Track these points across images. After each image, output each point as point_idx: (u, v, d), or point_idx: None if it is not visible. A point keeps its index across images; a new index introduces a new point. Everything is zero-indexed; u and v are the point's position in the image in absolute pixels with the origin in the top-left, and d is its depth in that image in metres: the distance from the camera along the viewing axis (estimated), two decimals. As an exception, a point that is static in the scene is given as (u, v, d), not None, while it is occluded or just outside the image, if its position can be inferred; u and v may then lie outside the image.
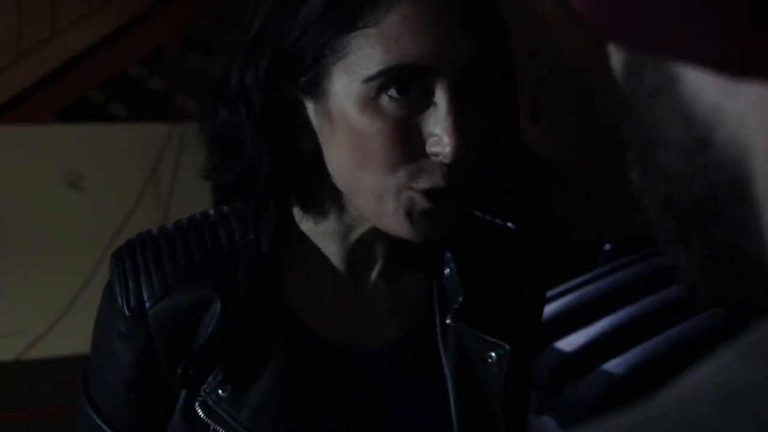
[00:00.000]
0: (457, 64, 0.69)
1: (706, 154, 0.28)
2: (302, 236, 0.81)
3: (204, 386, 0.76)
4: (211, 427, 0.76)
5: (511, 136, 0.79)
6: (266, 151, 0.74)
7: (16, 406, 3.37)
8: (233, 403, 0.76)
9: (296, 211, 0.80)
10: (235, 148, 0.76)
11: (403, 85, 0.69)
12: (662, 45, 0.28)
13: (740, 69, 0.26)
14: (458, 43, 0.69)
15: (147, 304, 0.76)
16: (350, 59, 0.70)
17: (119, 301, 0.77)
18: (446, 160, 0.69)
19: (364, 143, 0.70)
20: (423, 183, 0.70)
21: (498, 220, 0.89)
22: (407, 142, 0.70)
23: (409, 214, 0.71)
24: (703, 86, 0.28)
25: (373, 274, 0.81)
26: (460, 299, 0.81)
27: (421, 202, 0.71)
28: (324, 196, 0.77)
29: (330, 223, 0.79)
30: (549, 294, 0.94)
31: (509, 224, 0.89)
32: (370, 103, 0.70)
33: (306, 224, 0.80)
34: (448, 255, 0.82)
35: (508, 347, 0.81)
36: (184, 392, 0.77)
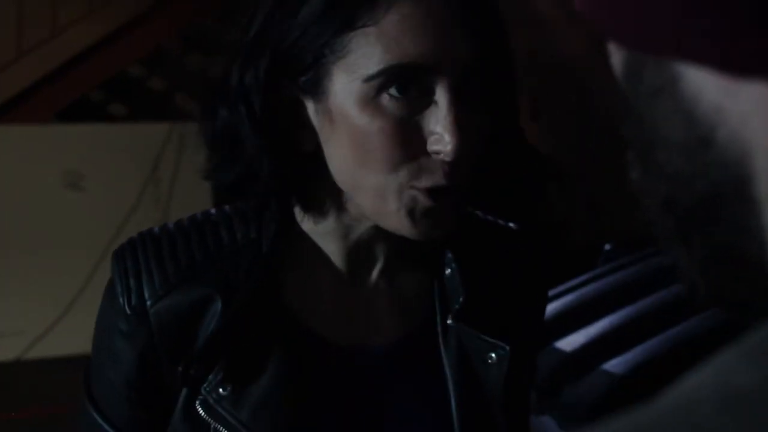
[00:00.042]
0: (457, 64, 0.69)
1: (707, 153, 0.28)
2: (303, 236, 0.81)
3: (204, 385, 0.76)
4: (212, 426, 0.76)
5: (512, 136, 0.79)
6: (266, 151, 0.74)
7: (16, 406, 3.37)
8: (234, 401, 0.76)
9: (297, 211, 0.80)
10: (235, 148, 0.76)
11: (404, 84, 0.69)
12: (662, 45, 0.28)
13: (741, 69, 0.26)
14: (458, 42, 0.69)
15: (148, 303, 0.76)
16: (350, 59, 0.70)
17: (120, 299, 0.77)
18: (447, 158, 0.69)
19: (365, 142, 0.70)
20: (425, 182, 0.70)
21: (499, 220, 0.89)
22: (408, 141, 0.70)
23: (411, 212, 0.71)
24: (704, 85, 0.28)
25: (374, 274, 0.81)
26: (461, 299, 0.81)
27: (423, 201, 0.71)
28: (324, 195, 0.78)
29: (330, 223, 0.79)
30: (549, 294, 0.94)
31: (510, 224, 0.89)
32: (370, 102, 0.70)
33: (306, 224, 0.80)
34: (449, 255, 0.82)
35: (508, 348, 0.81)
36: (184, 391, 0.77)
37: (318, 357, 0.79)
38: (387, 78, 0.69)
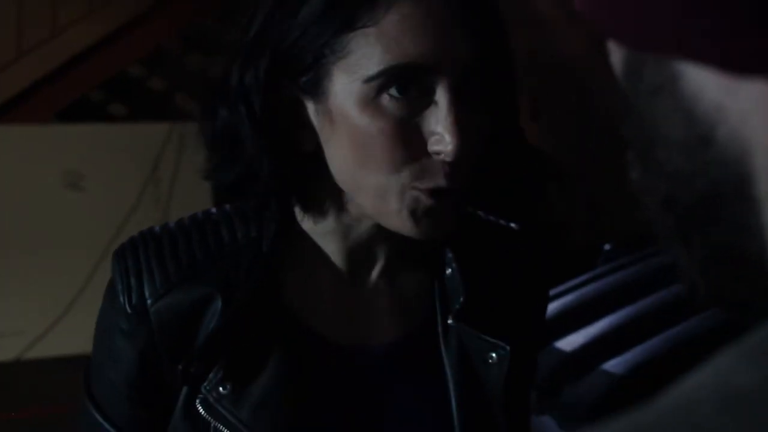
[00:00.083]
0: (457, 64, 0.69)
1: (707, 152, 0.28)
2: (303, 235, 0.81)
3: (205, 383, 0.77)
4: (212, 425, 0.76)
5: (512, 136, 0.79)
6: (266, 151, 0.74)
7: (16, 406, 3.37)
8: (234, 400, 0.76)
9: (297, 211, 0.80)
10: (235, 148, 0.76)
11: (404, 85, 0.69)
12: (663, 44, 0.28)
13: (741, 67, 0.26)
14: (458, 42, 0.69)
15: (149, 302, 0.77)
16: (350, 59, 0.70)
17: (121, 298, 0.77)
18: (448, 159, 0.69)
19: (365, 143, 0.70)
20: (427, 183, 0.70)
21: (500, 220, 0.89)
22: (408, 142, 0.70)
23: (414, 212, 0.71)
24: (704, 84, 0.28)
25: (374, 274, 0.81)
26: (462, 299, 0.81)
27: (426, 201, 0.71)
28: (324, 195, 0.78)
29: (330, 223, 0.79)
30: (549, 294, 0.94)
31: (511, 224, 0.89)
32: (370, 102, 0.70)
33: (307, 223, 0.80)
34: (450, 255, 0.82)
35: (508, 348, 0.81)
36: (185, 389, 0.77)
37: (318, 356, 0.80)
38: (387, 78, 0.69)
